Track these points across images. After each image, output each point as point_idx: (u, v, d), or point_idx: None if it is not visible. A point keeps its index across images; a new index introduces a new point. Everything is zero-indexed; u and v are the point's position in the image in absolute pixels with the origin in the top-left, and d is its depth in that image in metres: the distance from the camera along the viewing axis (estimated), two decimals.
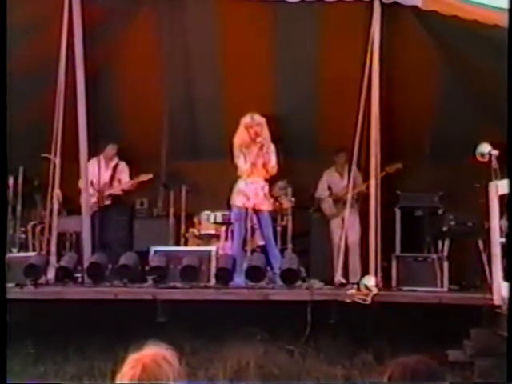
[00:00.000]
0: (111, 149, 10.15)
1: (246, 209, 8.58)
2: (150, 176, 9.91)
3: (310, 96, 10.20)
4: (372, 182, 8.43)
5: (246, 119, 8.60)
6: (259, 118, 8.58)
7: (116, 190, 10.09)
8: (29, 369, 7.49)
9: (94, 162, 9.83)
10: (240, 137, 8.63)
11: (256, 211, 8.64)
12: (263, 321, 7.72)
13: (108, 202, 9.93)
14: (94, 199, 9.73)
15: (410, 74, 9.62)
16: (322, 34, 9.51)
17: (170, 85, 10.21)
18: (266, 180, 8.78)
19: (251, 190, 8.59)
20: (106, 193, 9.97)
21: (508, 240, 6.96)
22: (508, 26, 7.32)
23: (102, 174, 10.00)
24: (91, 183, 9.67)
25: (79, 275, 8.38)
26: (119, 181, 10.20)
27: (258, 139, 8.51)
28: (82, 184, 9.01)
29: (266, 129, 8.61)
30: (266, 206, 8.71)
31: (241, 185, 8.63)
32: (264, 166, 8.61)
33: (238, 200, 8.60)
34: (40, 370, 7.48)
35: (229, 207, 9.06)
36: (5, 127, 7.68)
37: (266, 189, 8.76)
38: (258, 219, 8.70)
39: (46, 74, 8.70)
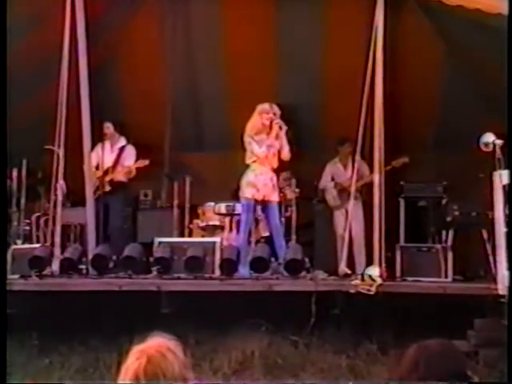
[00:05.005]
0: (106, 128, 9.82)
1: (255, 200, 8.59)
2: (146, 162, 9.68)
3: (314, 86, 10.18)
4: (376, 173, 8.41)
5: (263, 106, 8.67)
6: (277, 108, 8.66)
7: (116, 175, 9.78)
8: (34, 361, 7.51)
9: (98, 147, 9.69)
10: (252, 123, 8.68)
11: (265, 202, 8.65)
12: (267, 312, 7.73)
13: (108, 188, 9.68)
14: (96, 184, 9.49)
15: (413, 65, 9.61)
16: (326, 24, 9.50)
17: (174, 76, 10.20)
18: (275, 171, 8.79)
19: (260, 181, 8.61)
20: (107, 178, 9.73)
21: (508, 233, 6.95)
22: (508, 20, 7.30)
23: (105, 157, 9.76)
24: (96, 167, 9.59)
25: (84, 267, 8.40)
26: (124, 166, 9.89)
27: (276, 120, 8.56)
28: (86, 175, 8.99)
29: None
30: (275, 197, 8.73)
31: (250, 176, 8.64)
32: (278, 153, 8.65)
33: (247, 192, 8.61)
34: (45, 362, 7.50)
35: (236, 198, 9.06)
36: (5, 121, 7.67)
37: (275, 179, 8.79)
38: (267, 210, 8.71)
39: (48, 66, 8.69)
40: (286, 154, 8.72)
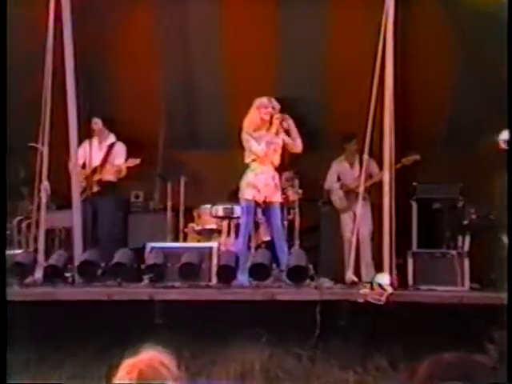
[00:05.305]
0: (94, 124, 9.87)
1: (256, 202, 8.64)
2: (137, 161, 9.71)
3: (318, 80, 10.20)
4: (386, 172, 8.45)
5: (261, 100, 8.70)
6: (276, 102, 8.68)
7: (105, 175, 9.84)
8: (14, 377, 7.53)
9: (85, 143, 9.71)
10: (250, 119, 8.71)
11: (266, 204, 8.69)
12: (269, 322, 7.73)
13: (96, 189, 9.71)
14: (83, 184, 9.55)
15: (425, 56, 9.63)
16: (331, 13, 9.54)
17: (169, 70, 10.24)
18: (276, 169, 8.82)
19: (261, 181, 8.63)
20: (95, 178, 9.76)
21: (508, 237, 6.98)
22: (508, 20, 7.38)
23: (93, 155, 9.77)
24: (83, 166, 9.62)
25: (69, 274, 8.41)
26: (113, 165, 9.94)
27: (277, 115, 8.60)
28: (72, 174, 9.04)
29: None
30: (277, 197, 8.75)
31: (250, 177, 8.66)
32: (282, 149, 8.69)
33: (247, 193, 8.62)
34: (30, 376, 7.52)
35: (235, 200, 9.09)
36: (5, 121, 7.80)
37: (277, 178, 8.79)
38: (268, 212, 8.74)
39: (32, 60, 8.72)
40: (299, 146, 8.72)
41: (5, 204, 8.94)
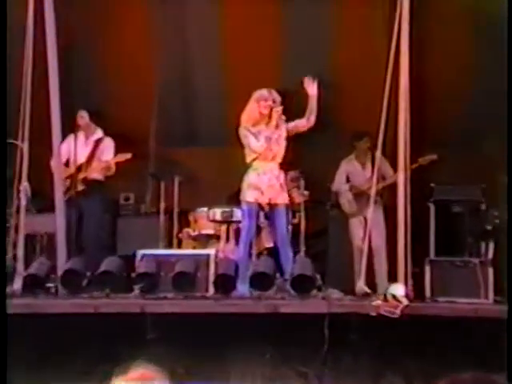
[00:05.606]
0: (80, 117, 9.87)
1: (259, 205, 8.60)
2: (128, 156, 9.69)
3: (325, 71, 10.18)
4: (401, 172, 8.42)
5: (261, 92, 8.66)
6: (276, 94, 8.64)
7: (91, 173, 9.81)
8: None
9: (70, 138, 9.71)
10: (248, 112, 8.68)
11: (271, 206, 8.65)
12: (271, 337, 7.73)
13: (81, 188, 9.70)
14: (67, 184, 9.53)
15: (444, 46, 9.63)
16: (337, 9, 9.58)
17: (162, 59, 10.26)
18: (281, 168, 8.77)
19: (264, 181, 8.58)
20: (80, 176, 9.75)
21: (508, 241, 6.96)
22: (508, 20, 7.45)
23: (79, 151, 9.78)
24: (66, 163, 9.59)
25: (52, 285, 8.38)
26: (100, 161, 9.90)
27: (276, 108, 8.55)
28: (54, 172, 8.99)
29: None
30: (283, 199, 8.69)
31: (252, 177, 8.61)
32: (286, 140, 8.66)
33: (249, 195, 8.57)
34: None
35: (234, 203, 9.07)
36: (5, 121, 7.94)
37: (282, 178, 8.74)
38: (273, 215, 8.69)
39: (11, 48, 8.70)
40: (312, 120, 8.66)
41: (5, 205, 8.90)
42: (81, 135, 9.91)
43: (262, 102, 8.62)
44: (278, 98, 8.63)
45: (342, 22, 9.73)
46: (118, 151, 9.86)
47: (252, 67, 9.85)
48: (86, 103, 10.02)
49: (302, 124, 8.68)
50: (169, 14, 10.05)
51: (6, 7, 8.05)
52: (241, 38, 9.92)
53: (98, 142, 9.97)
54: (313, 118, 8.64)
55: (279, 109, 8.60)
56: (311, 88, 8.62)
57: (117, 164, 9.76)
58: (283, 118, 8.62)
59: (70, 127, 9.46)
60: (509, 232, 6.95)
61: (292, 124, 8.68)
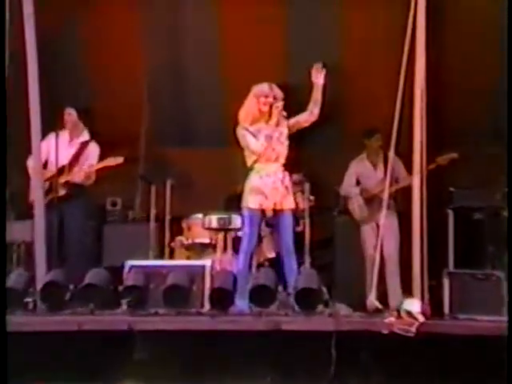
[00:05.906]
0: (68, 114, 9.92)
1: (263, 211, 8.56)
2: (120, 160, 9.73)
3: (332, 64, 10.15)
4: (416, 174, 8.39)
5: (261, 87, 8.62)
6: (278, 90, 8.59)
7: (74, 176, 9.79)
8: None
9: (51, 136, 9.67)
10: (247, 109, 8.64)
11: (276, 212, 8.59)
12: (273, 358, 7.70)
13: (62, 192, 9.68)
14: (46, 186, 9.44)
15: (466, 33, 9.66)
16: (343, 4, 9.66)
17: (154, 53, 10.35)
18: (286, 169, 8.71)
19: (268, 184, 8.54)
20: (62, 180, 9.73)
21: (508, 242, 6.92)
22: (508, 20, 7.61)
23: (61, 152, 9.71)
24: (45, 165, 9.53)
25: (30, 299, 8.33)
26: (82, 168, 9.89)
27: (277, 104, 8.51)
28: (32, 176, 8.96)
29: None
30: (289, 203, 8.64)
31: (254, 180, 8.57)
32: (281, 140, 8.61)
33: (251, 200, 8.53)
34: None
35: (235, 208, 9.05)
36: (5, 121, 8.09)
37: (288, 180, 8.68)
38: (278, 222, 8.66)
39: None
40: (316, 113, 8.60)
41: (4, 207, 8.88)
42: (65, 134, 9.92)
43: (261, 98, 8.57)
44: (280, 94, 8.56)
45: (347, 19, 9.89)
46: (106, 151, 9.89)
47: (252, 65, 9.86)
48: (74, 101, 10.00)
49: (305, 118, 8.62)
50: (161, 10, 10.06)
51: (5, 7, 8.14)
52: (239, 32, 9.98)
53: (83, 145, 10.00)
54: (316, 111, 8.57)
55: (279, 104, 8.54)
56: (318, 76, 8.53)
57: (104, 169, 9.71)
58: (284, 114, 8.57)
59: (58, 127, 9.45)
60: (509, 232, 6.91)
61: (293, 120, 8.62)
